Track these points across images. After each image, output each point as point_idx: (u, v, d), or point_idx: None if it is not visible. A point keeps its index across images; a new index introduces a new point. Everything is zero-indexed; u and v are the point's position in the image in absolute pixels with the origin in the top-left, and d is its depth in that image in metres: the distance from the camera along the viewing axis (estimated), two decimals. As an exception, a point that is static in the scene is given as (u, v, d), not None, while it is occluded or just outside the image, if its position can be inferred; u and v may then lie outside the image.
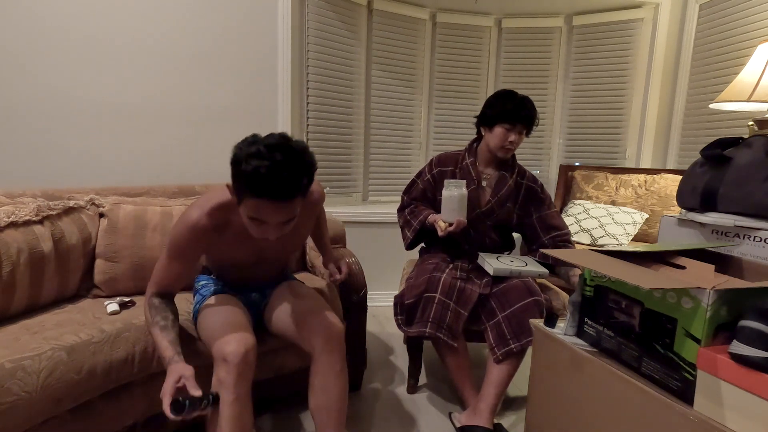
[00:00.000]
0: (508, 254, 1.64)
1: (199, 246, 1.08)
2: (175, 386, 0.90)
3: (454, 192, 1.42)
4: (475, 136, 1.64)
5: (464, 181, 1.45)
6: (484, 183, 1.58)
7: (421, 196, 1.65)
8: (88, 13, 1.86)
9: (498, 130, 1.49)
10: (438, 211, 1.60)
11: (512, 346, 1.35)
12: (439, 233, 1.42)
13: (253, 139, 0.92)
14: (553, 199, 2.72)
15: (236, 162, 0.91)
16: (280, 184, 0.89)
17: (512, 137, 1.48)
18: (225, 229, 1.10)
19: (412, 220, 1.60)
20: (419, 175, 1.68)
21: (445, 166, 1.62)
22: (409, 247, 1.66)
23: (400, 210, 1.70)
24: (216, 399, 0.95)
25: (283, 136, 0.93)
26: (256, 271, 1.25)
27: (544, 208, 1.59)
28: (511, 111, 1.46)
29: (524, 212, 1.60)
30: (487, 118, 1.52)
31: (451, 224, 1.42)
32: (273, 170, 0.88)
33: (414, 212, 1.62)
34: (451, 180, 1.44)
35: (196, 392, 0.91)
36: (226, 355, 0.97)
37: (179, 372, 0.92)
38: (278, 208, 0.93)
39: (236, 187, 0.95)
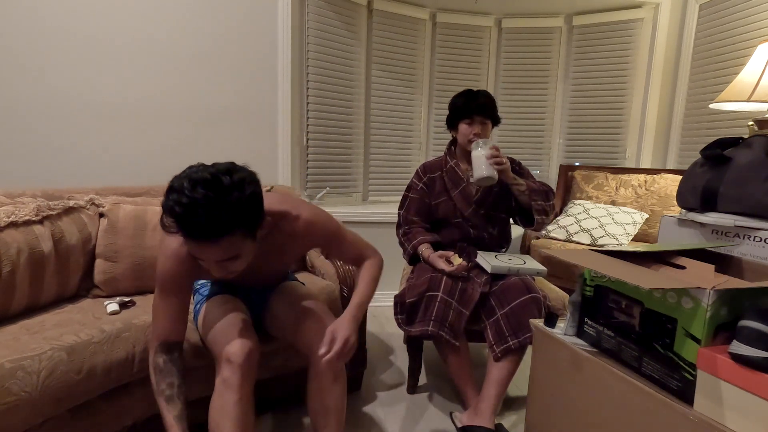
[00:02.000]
0: (505, 252, 1.66)
1: (186, 273, 1.00)
2: None
3: (484, 150, 1.46)
4: (451, 139, 1.72)
5: (491, 140, 1.50)
6: (471, 179, 1.61)
7: (419, 207, 1.66)
8: (89, 14, 1.87)
9: (461, 128, 1.58)
10: (439, 218, 1.65)
11: (510, 343, 1.35)
12: (447, 269, 1.45)
13: (188, 172, 0.84)
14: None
15: (165, 193, 0.84)
16: (197, 224, 0.80)
17: (474, 130, 1.54)
18: None
19: (406, 243, 1.65)
20: (409, 188, 1.71)
21: (432, 173, 1.67)
22: (410, 264, 1.71)
23: (397, 227, 1.73)
24: None
25: (219, 170, 0.84)
26: (253, 281, 1.24)
27: (530, 178, 1.66)
28: (463, 106, 1.55)
29: (509, 192, 1.63)
30: (450, 121, 1.63)
31: (452, 264, 1.47)
32: (188, 209, 0.79)
33: (407, 234, 1.66)
34: (478, 140, 1.49)
35: None
36: (230, 356, 0.98)
37: None
38: (205, 248, 0.84)
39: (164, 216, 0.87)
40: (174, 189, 0.82)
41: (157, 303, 1.00)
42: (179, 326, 1.01)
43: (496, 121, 1.60)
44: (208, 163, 0.91)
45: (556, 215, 2.55)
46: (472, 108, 1.53)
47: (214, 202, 0.80)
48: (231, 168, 0.86)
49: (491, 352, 1.39)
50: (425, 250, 1.57)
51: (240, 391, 0.97)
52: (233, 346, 0.98)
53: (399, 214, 1.72)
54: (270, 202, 1.01)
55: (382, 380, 1.75)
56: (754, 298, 0.70)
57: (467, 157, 1.63)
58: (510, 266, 1.44)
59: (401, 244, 1.69)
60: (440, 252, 1.52)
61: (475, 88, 1.59)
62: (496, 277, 1.47)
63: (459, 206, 1.60)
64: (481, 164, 1.46)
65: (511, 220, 1.71)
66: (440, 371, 1.85)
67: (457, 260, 1.46)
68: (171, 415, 0.94)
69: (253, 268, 1.11)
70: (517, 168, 1.67)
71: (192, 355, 1.19)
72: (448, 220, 1.63)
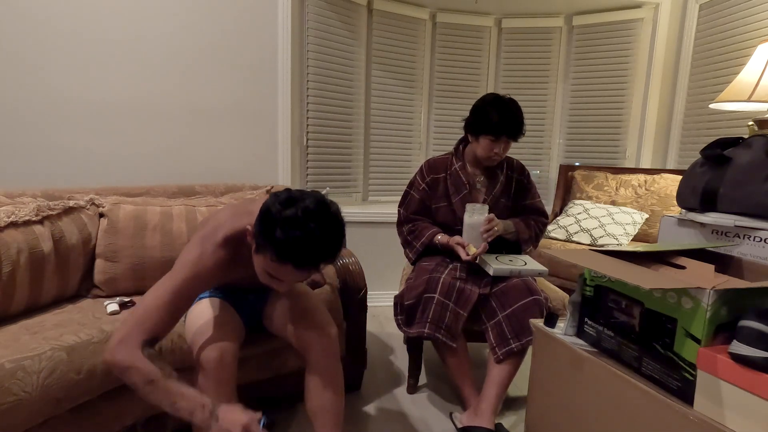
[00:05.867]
0: (506, 253, 1.64)
1: (215, 281, 1.01)
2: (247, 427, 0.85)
3: (478, 219, 1.44)
4: (461, 138, 1.64)
5: (487, 207, 1.46)
6: (478, 185, 1.58)
7: (418, 208, 1.63)
8: (88, 13, 1.86)
9: (484, 142, 1.48)
10: (437, 222, 1.61)
11: (513, 345, 1.35)
12: (465, 257, 1.43)
13: (289, 197, 0.87)
14: (553, 198, 2.72)
15: (269, 220, 0.86)
16: (312, 256, 0.86)
17: (497, 149, 1.47)
18: (235, 261, 1.02)
19: (414, 241, 1.60)
20: (411, 185, 1.66)
21: (437, 173, 1.61)
22: (414, 263, 1.66)
23: (399, 225, 1.68)
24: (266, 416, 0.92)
25: (319, 201, 0.88)
26: (253, 283, 1.24)
27: (530, 197, 1.65)
28: (496, 125, 1.43)
29: (515, 204, 1.63)
30: (473, 128, 1.51)
31: (477, 247, 1.44)
32: (307, 242, 0.84)
33: (413, 232, 1.61)
34: (474, 205, 1.45)
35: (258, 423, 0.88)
36: (201, 362, 0.98)
37: (247, 415, 0.86)
38: (300, 273, 0.89)
39: (260, 241, 0.89)
40: (289, 221, 0.84)
41: (167, 300, 0.93)
42: (169, 330, 0.96)
43: (517, 141, 1.51)
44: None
45: (556, 215, 2.55)
46: (505, 129, 1.43)
47: (328, 236, 0.87)
48: (325, 199, 0.91)
49: (493, 354, 1.39)
50: (442, 237, 1.52)
51: (215, 395, 0.97)
52: (205, 352, 0.99)
53: (399, 211, 1.68)
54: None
55: (382, 380, 1.75)
56: (754, 298, 0.70)
57: (476, 160, 1.57)
58: (512, 268, 1.43)
59: (407, 242, 1.63)
60: (458, 238, 1.47)
61: (506, 96, 1.47)
62: (497, 278, 1.46)
63: (459, 215, 1.54)
64: (476, 234, 1.44)
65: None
66: (440, 371, 1.85)
67: (473, 249, 1.44)
68: (191, 389, 0.89)
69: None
70: (525, 181, 1.63)
71: (192, 356, 1.19)
72: (447, 225, 1.59)
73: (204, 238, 0.99)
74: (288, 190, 0.91)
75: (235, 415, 0.86)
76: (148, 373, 0.86)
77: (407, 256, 1.65)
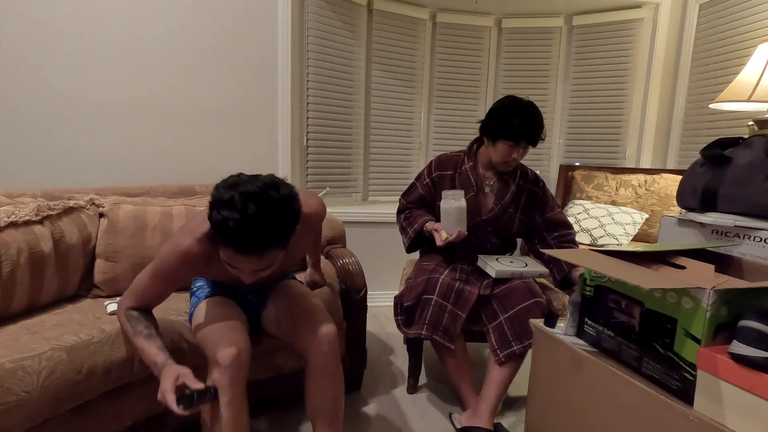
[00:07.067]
0: (508, 255, 1.63)
1: (187, 272, 1.04)
2: (175, 384, 0.89)
3: (452, 204, 1.38)
4: (477, 135, 1.57)
5: (462, 192, 1.42)
6: (486, 189, 1.54)
7: (418, 200, 1.61)
8: (88, 13, 1.86)
9: (501, 147, 1.41)
10: (437, 215, 1.58)
11: (515, 348, 1.35)
12: (438, 243, 1.38)
13: (233, 182, 0.87)
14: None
15: (211, 205, 0.86)
16: (249, 238, 0.84)
17: (515, 155, 1.41)
18: (217, 255, 1.04)
19: (408, 228, 1.58)
20: (418, 177, 1.64)
21: (444, 170, 1.57)
22: (409, 251, 1.64)
23: (398, 213, 1.67)
24: (216, 392, 0.95)
25: (267, 184, 0.86)
26: (252, 283, 1.24)
27: (548, 210, 1.56)
28: (516, 130, 1.36)
29: (527, 216, 1.56)
30: (490, 131, 1.43)
31: (451, 234, 1.39)
32: (242, 224, 0.82)
33: (409, 218, 1.60)
34: (449, 191, 1.40)
35: (197, 386, 0.89)
36: (218, 358, 0.98)
37: (176, 371, 0.90)
38: (248, 259, 0.88)
39: (210, 229, 0.90)
40: (225, 203, 0.84)
41: (145, 281, 1.03)
42: (156, 303, 1.07)
43: (535, 146, 1.45)
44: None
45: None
46: (525, 134, 1.36)
47: (267, 219, 0.84)
48: (276, 182, 0.89)
49: (494, 356, 1.39)
50: (430, 224, 1.48)
51: (230, 392, 0.97)
52: (222, 349, 0.99)
53: (400, 200, 1.67)
54: None
55: (382, 380, 1.75)
56: (754, 298, 0.70)
57: (490, 162, 1.51)
58: (513, 270, 1.42)
59: (402, 229, 1.62)
60: (437, 224, 1.44)
61: (525, 98, 1.40)
62: (498, 279, 1.45)
63: None
64: (451, 219, 1.37)
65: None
66: (440, 371, 1.85)
67: (444, 235, 1.39)
68: (154, 347, 0.95)
69: None
70: (540, 193, 1.55)
71: (191, 355, 1.19)
72: None
73: (187, 230, 1.02)
74: (240, 174, 0.91)
75: (165, 381, 0.89)
76: (126, 330, 1.01)
77: (403, 244, 1.63)
